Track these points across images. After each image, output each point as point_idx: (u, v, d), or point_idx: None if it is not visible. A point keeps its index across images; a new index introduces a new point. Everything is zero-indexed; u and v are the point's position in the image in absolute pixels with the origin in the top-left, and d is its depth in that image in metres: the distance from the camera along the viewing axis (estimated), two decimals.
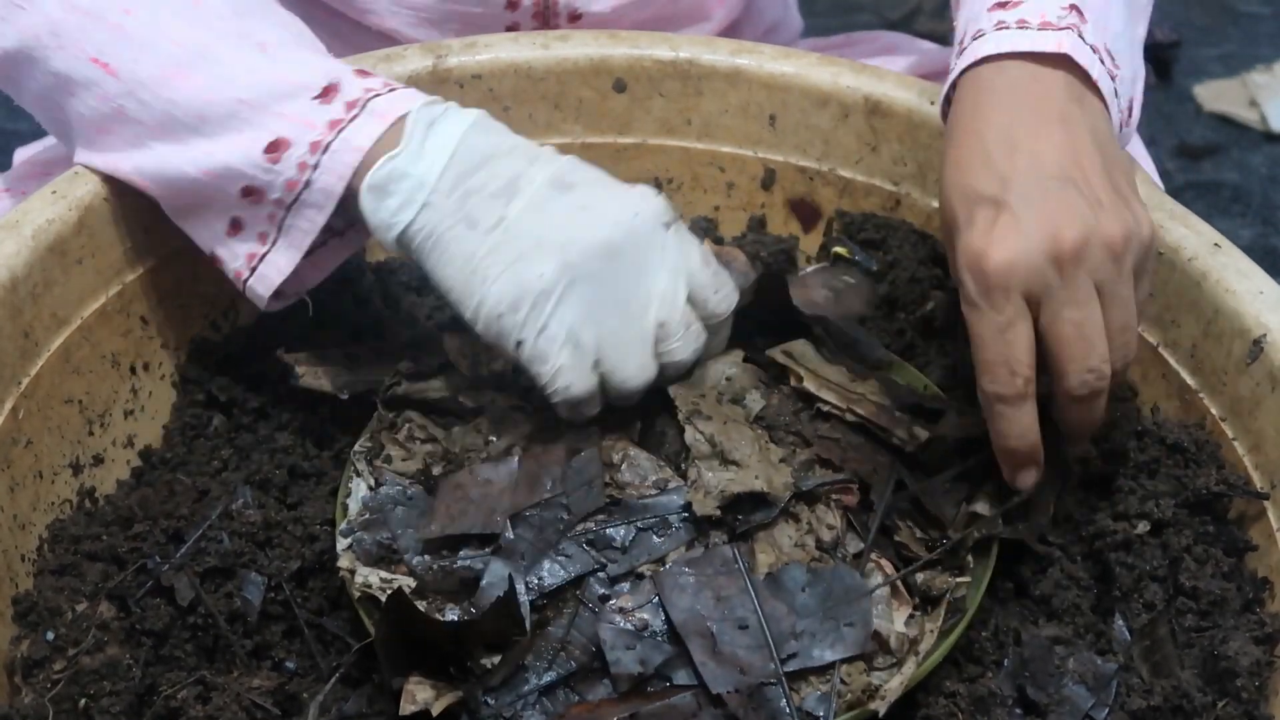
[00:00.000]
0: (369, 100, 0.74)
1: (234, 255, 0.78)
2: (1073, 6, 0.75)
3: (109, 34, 0.76)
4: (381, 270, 0.95)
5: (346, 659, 0.70)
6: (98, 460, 0.80)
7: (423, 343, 0.83)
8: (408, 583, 0.68)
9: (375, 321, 0.90)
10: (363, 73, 0.77)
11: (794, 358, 0.78)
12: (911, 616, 0.69)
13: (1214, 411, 0.79)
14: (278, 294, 0.78)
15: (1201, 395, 0.79)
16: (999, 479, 0.73)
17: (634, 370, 0.72)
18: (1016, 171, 0.69)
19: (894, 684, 0.66)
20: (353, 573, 0.69)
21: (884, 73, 0.94)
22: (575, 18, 1.01)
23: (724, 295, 0.75)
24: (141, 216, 0.82)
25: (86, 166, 0.80)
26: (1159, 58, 2.35)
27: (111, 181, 0.80)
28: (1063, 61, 0.73)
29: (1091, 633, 0.73)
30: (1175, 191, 1.70)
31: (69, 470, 0.78)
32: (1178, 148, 2.21)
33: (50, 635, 0.69)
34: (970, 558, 0.72)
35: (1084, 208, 0.68)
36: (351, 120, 0.73)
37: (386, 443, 0.77)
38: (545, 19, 1.00)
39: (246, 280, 0.78)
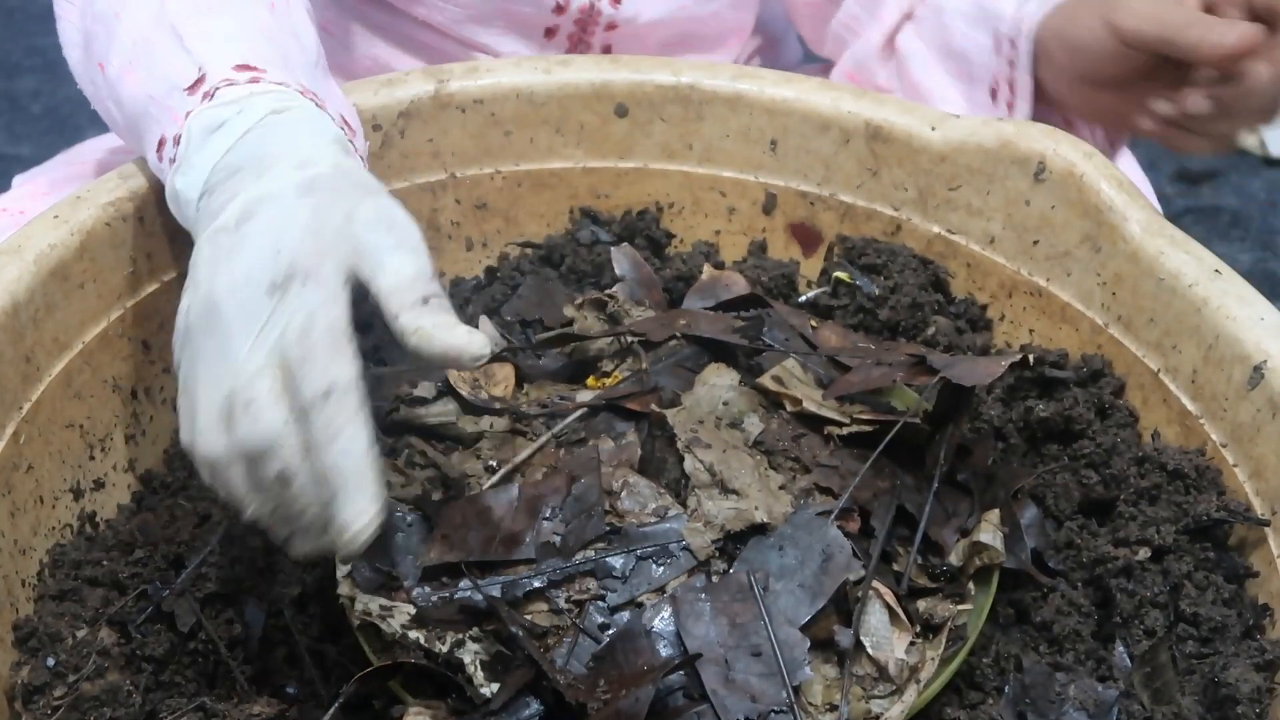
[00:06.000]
0: (218, 89, 0.72)
1: None
2: None
3: (106, 37, 0.78)
4: None
5: (347, 686, 0.70)
6: (99, 485, 0.80)
7: (422, 367, 0.83)
8: (408, 610, 0.68)
9: (374, 346, 0.89)
10: (244, 67, 0.72)
11: (784, 383, 0.78)
12: (912, 644, 0.69)
13: (1214, 438, 0.79)
14: None
15: (1202, 421, 0.79)
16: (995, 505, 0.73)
17: (189, 435, 0.62)
18: None
19: (895, 712, 0.66)
20: (353, 600, 0.69)
21: (885, 98, 0.94)
22: (612, 28, 1.04)
23: (311, 374, 0.60)
24: (143, 241, 0.82)
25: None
26: None
27: (113, 205, 0.80)
28: None
29: (1092, 659, 0.73)
30: (1174, 216, 1.71)
31: (70, 495, 0.78)
32: (1176, 173, 2.22)
33: (51, 661, 0.69)
34: (971, 585, 0.72)
35: None
36: (201, 107, 0.71)
37: (386, 468, 0.77)
38: (585, 25, 1.04)
39: None
